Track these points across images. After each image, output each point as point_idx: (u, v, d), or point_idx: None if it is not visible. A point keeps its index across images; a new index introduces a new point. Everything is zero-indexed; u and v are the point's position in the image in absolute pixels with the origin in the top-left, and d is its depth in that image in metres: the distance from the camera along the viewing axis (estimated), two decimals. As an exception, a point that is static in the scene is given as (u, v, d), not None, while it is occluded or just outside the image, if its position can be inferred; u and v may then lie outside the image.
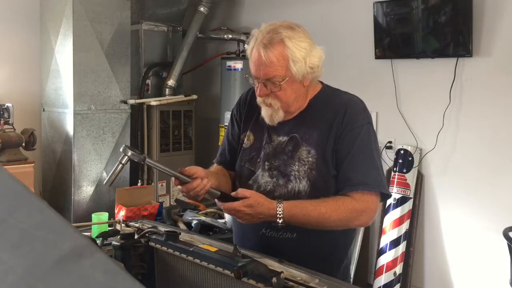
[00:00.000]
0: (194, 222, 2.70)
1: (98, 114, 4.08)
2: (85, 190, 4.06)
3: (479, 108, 3.31)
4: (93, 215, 2.14)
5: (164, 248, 1.42)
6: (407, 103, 3.67)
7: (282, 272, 1.21)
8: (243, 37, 4.50)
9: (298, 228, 1.57)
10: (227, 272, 1.23)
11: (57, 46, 4.08)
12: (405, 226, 3.53)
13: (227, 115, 4.20)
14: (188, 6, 4.85)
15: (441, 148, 3.49)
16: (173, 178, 1.57)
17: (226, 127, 1.98)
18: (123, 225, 1.73)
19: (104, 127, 4.12)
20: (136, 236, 1.55)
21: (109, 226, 1.88)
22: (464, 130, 3.39)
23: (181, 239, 1.46)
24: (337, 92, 1.71)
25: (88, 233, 1.92)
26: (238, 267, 1.18)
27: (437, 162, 3.54)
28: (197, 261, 1.31)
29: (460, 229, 3.43)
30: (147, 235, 1.51)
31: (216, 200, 1.59)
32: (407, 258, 3.55)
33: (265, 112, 1.64)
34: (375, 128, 1.75)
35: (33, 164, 3.90)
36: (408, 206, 3.55)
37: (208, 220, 2.72)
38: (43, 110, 4.33)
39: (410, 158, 3.59)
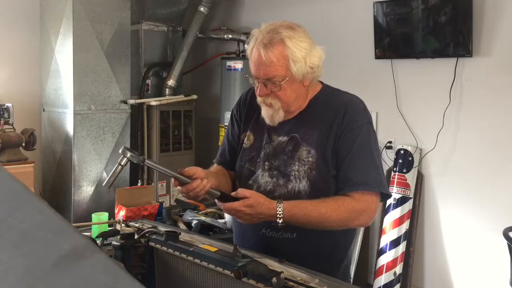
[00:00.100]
0: (194, 222, 2.70)
1: (98, 114, 4.08)
2: (85, 190, 4.06)
3: (479, 108, 3.31)
4: (93, 215, 2.14)
5: (164, 248, 1.42)
6: (407, 103, 3.67)
7: (282, 272, 1.21)
8: (243, 37, 4.50)
9: (298, 228, 1.57)
10: (227, 272, 1.23)
11: (57, 46, 4.08)
12: (405, 226, 3.53)
13: (227, 115, 4.20)
14: (188, 6, 4.85)
15: (441, 148, 3.49)
16: (173, 179, 1.57)
17: (226, 127, 1.98)
18: (123, 225, 1.73)
19: (104, 127, 4.12)
20: (136, 236, 1.55)
21: (109, 226, 1.88)
22: (464, 130, 3.39)
23: (181, 239, 1.46)
24: (337, 92, 1.71)
25: (88, 233, 1.92)
26: (238, 267, 1.18)
27: (437, 162, 3.54)
28: (197, 261, 1.31)
29: (460, 229, 3.43)
30: (147, 235, 1.51)
31: (216, 200, 1.59)
32: (407, 258, 3.55)
33: (265, 113, 1.64)
34: (375, 128, 1.75)
35: (33, 164, 3.90)
36: (408, 206, 3.55)
37: (208, 220, 2.72)
38: (43, 110, 4.33)
39: (410, 158, 3.59)
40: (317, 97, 1.68)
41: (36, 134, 4.00)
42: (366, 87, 3.61)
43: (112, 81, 4.14)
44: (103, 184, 3.93)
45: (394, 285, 3.48)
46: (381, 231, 3.65)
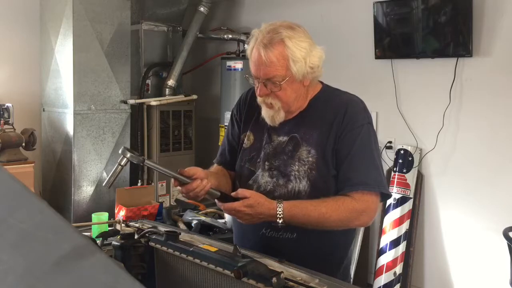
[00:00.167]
0: (194, 222, 2.70)
1: (98, 114, 4.08)
2: (85, 190, 4.06)
3: (479, 108, 3.31)
4: (93, 215, 2.14)
5: (164, 248, 1.42)
6: (407, 103, 3.67)
7: (282, 272, 1.21)
8: (243, 37, 4.50)
9: (298, 228, 1.57)
10: (227, 272, 1.23)
11: (57, 46, 4.08)
12: (405, 226, 3.53)
13: (227, 115, 4.20)
14: (188, 6, 4.85)
15: (441, 148, 3.49)
16: (173, 179, 1.57)
17: (226, 127, 1.98)
18: (123, 225, 1.73)
19: (104, 127, 4.12)
20: (136, 236, 1.55)
21: (109, 226, 1.88)
22: (464, 130, 3.39)
23: (181, 239, 1.46)
24: (337, 92, 1.71)
25: (88, 233, 1.92)
26: (238, 267, 1.18)
27: (437, 162, 3.54)
28: (197, 261, 1.31)
29: (460, 229, 3.43)
30: (147, 235, 1.51)
31: (216, 200, 1.59)
32: (407, 258, 3.55)
33: (266, 113, 1.64)
34: (375, 128, 1.75)
35: (33, 164, 3.90)
36: (408, 206, 3.55)
37: (208, 220, 2.72)
38: (43, 110, 4.33)
39: (410, 158, 3.59)
40: (317, 97, 1.68)
41: (36, 134, 4.00)
42: (366, 87, 3.61)
43: (112, 81, 4.14)
44: (103, 184, 3.92)
45: (394, 285, 3.48)
46: (381, 231, 3.65)
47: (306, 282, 1.24)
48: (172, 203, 4.39)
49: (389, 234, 3.56)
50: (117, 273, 0.69)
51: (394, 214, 3.56)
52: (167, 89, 4.52)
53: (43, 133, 4.32)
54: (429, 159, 3.57)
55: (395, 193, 3.56)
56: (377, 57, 3.72)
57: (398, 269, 3.51)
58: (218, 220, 2.76)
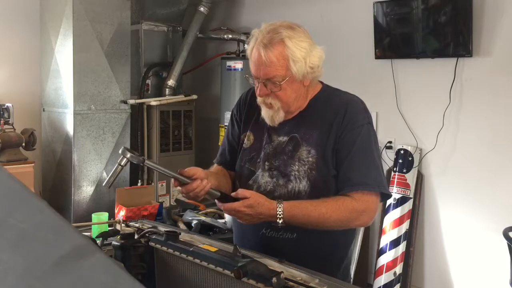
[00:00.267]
0: (194, 222, 2.70)
1: (98, 114, 4.08)
2: (85, 190, 4.06)
3: (479, 108, 3.31)
4: (93, 215, 2.14)
5: (164, 248, 1.42)
6: (407, 103, 3.67)
7: (282, 272, 1.21)
8: (243, 37, 4.50)
9: (298, 228, 1.57)
10: (227, 272, 1.23)
11: (57, 46, 4.08)
12: (405, 226, 3.53)
13: (227, 115, 4.20)
14: (188, 6, 4.85)
15: (441, 148, 3.49)
16: (173, 179, 1.57)
17: (226, 127, 1.98)
18: (123, 225, 1.73)
19: (104, 127, 4.12)
20: (136, 236, 1.55)
21: (109, 226, 1.88)
22: (464, 130, 3.39)
23: (181, 239, 1.46)
24: (337, 92, 1.71)
25: (88, 233, 1.92)
26: (238, 267, 1.18)
27: (437, 162, 3.54)
28: (197, 261, 1.31)
29: (460, 229, 3.43)
30: (147, 235, 1.51)
31: (216, 200, 1.59)
32: (407, 258, 3.55)
33: (265, 113, 1.64)
34: (375, 128, 1.75)
35: (33, 164, 3.90)
36: (408, 206, 3.55)
37: (208, 220, 2.72)
38: (43, 110, 4.33)
39: (410, 158, 3.59)
40: (317, 97, 1.68)
41: (36, 134, 4.00)
42: (366, 87, 3.61)
43: (112, 81, 4.14)
44: (103, 184, 3.92)
45: (394, 285, 3.48)
46: (381, 231, 3.65)
47: (306, 282, 1.24)
48: (172, 203, 4.39)
49: (389, 234, 3.56)
50: (117, 273, 0.69)
51: (394, 214, 3.56)
52: (167, 89, 4.52)
53: (43, 133, 4.32)
54: (429, 159, 3.57)
55: (395, 193, 3.56)
56: (377, 57, 3.72)
57: (398, 269, 3.51)
58: (218, 220, 2.76)
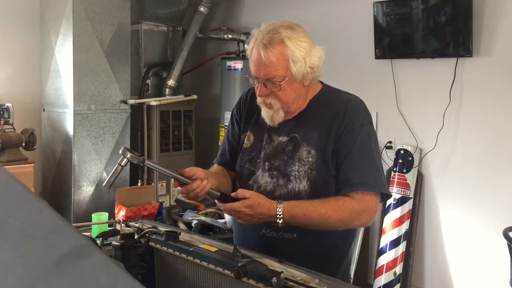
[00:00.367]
0: (194, 222, 2.70)
1: (98, 114, 4.08)
2: (85, 190, 4.06)
3: (479, 108, 3.31)
4: (93, 215, 2.14)
5: (164, 248, 1.42)
6: (407, 103, 3.67)
7: (282, 272, 1.21)
8: (243, 37, 4.50)
9: (298, 228, 1.57)
10: (227, 272, 1.23)
11: (57, 46, 4.08)
12: (405, 226, 3.53)
13: (227, 115, 4.20)
14: (188, 6, 4.85)
15: (441, 148, 3.49)
16: (173, 179, 1.57)
17: (226, 127, 1.98)
18: (123, 225, 1.73)
19: (104, 127, 4.12)
20: (136, 236, 1.55)
21: (109, 226, 1.88)
22: (464, 130, 3.39)
23: (181, 239, 1.46)
24: (337, 92, 1.71)
25: (88, 233, 1.92)
26: (238, 267, 1.18)
27: (437, 162, 3.54)
28: (197, 261, 1.31)
29: (460, 229, 3.43)
30: (147, 235, 1.51)
31: (216, 200, 1.59)
32: (407, 258, 3.55)
33: (265, 113, 1.64)
34: (375, 128, 1.75)
35: (33, 164, 3.90)
36: (408, 206, 3.55)
37: (208, 220, 2.72)
38: (43, 110, 4.33)
39: (410, 158, 3.59)
40: (317, 97, 1.68)
41: (36, 134, 4.00)
42: (366, 87, 3.61)
43: (112, 81, 4.14)
44: (103, 185, 3.91)
45: (394, 285, 3.48)
46: (381, 231, 3.65)
47: (306, 282, 1.24)
48: (172, 203, 4.39)
49: (389, 234, 3.56)
50: (117, 273, 0.69)
51: (394, 214, 3.56)
52: (167, 89, 4.52)
53: (43, 133, 4.32)
54: (429, 159, 3.57)
55: (395, 193, 3.56)
56: (377, 57, 3.72)
57: (398, 269, 3.51)
58: (218, 220, 2.76)
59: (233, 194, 1.54)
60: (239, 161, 1.74)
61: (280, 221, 1.51)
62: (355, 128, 1.59)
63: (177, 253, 1.37)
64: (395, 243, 3.52)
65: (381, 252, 3.58)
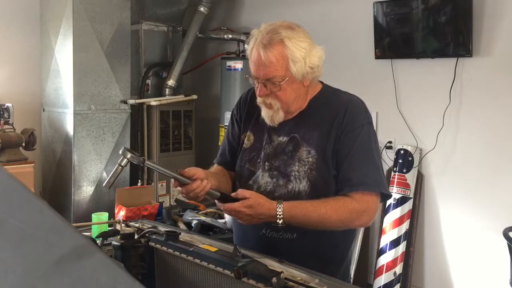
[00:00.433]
0: (194, 222, 2.70)
1: (98, 114, 4.08)
2: (85, 190, 4.06)
3: (479, 108, 3.31)
4: (93, 215, 2.14)
5: (164, 248, 1.42)
6: (407, 103, 3.67)
7: (282, 272, 1.21)
8: (243, 37, 4.50)
9: (298, 229, 1.57)
10: (227, 272, 1.23)
11: (57, 46, 4.08)
12: (405, 226, 3.53)
13: (227, 115, 4.20)
14: (188, 6, 4.85)
15: (441, 148, 3.49)
16: (173, 179, 1.57)
17: (226, 127, 1.98)
18: (123, 225, 1.73)
19: (104, 127, 4.12)
20: (136, 236, 1.55)
21: (109, 226, 1.88)
22: (464, 130, 3.39)
23: (181, 239, 1.46)
24: (337, 92, 1.71)
25: (88, 233, 1.92)
26: (238, 267, 1.18)
27: (437, 162, 3.54)
28: (197, 261, 1.31)
29: (460, 229, 3.43)
30: (147, 235, 1.51)
31: (216, 201, 1.59)
32: (407, 258, 3.55)
33: (265, 113, 1.64)
34: (375, 128, 1.75)
35: (33, 164, 3.90)
36: (408, 206, 3.55)
37: (208, 220, 2.72)
38: (43, 110, 4.33)
39: (410, 158, 3.59)
40: (317, 97, 1.67)
41: (36, 134, 4.00)
42: (366, 87, 3.61)
43: (112, 81, 4.14)
44: (103, 185, 3.91)
45: (394, 285, 3.48)
46: (381, 231, 3.65)
47: (306, 282, 1.24)
48: (172, 203, 4.39)
49: (389, 234, 3.56)
50: (117, 273, 0.69)
51: (394, 214, 3.56)
52: (167, 89, 4.52)
53: (43, 133, 4.32)
54: (429, 159, 3.57)
55: (395, 193, 3.56)
56: (377, 57, 3.72)
57: (398, 269, 3.51)
58: (218, 220, 2.76)
59: (233, 194, 1.54)
60: (239, 161, 1.74)
61: (280, 221, 1.51)
62: (355, 128, 1.59)
63: (177, 253, 1.37)
64: (395, 243, 3.52)
65: (381, 252, 3.58)
